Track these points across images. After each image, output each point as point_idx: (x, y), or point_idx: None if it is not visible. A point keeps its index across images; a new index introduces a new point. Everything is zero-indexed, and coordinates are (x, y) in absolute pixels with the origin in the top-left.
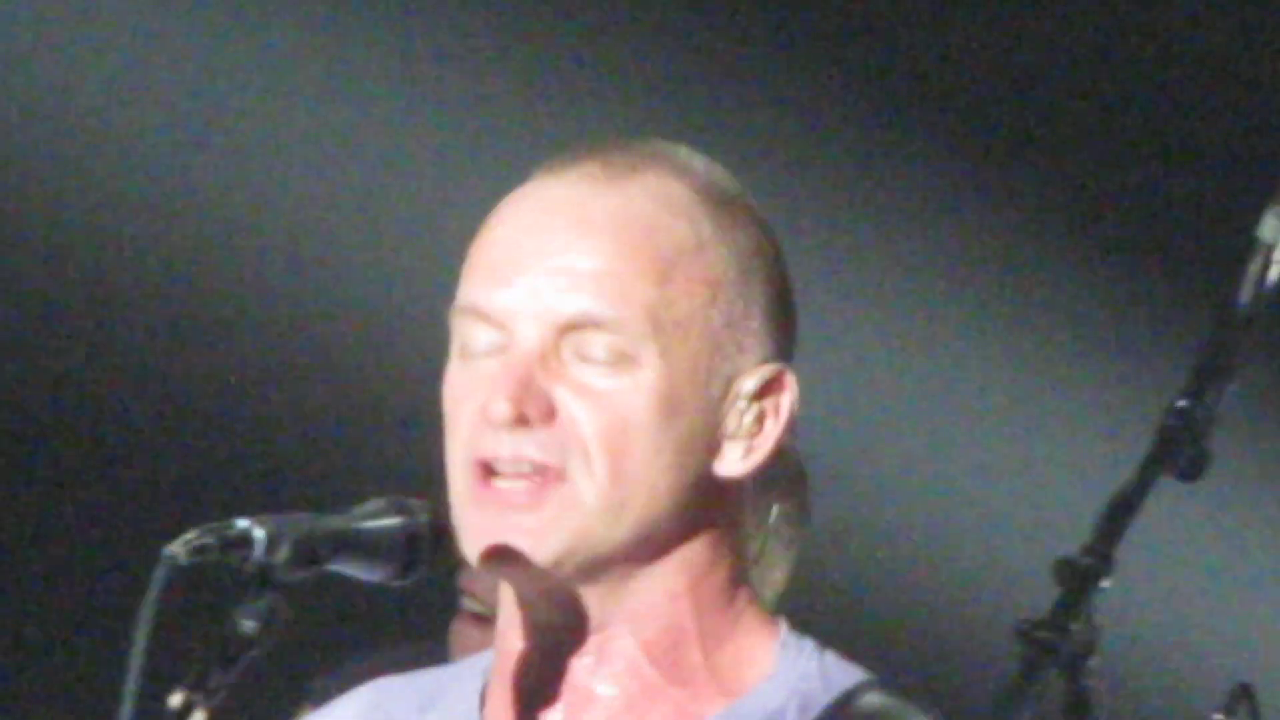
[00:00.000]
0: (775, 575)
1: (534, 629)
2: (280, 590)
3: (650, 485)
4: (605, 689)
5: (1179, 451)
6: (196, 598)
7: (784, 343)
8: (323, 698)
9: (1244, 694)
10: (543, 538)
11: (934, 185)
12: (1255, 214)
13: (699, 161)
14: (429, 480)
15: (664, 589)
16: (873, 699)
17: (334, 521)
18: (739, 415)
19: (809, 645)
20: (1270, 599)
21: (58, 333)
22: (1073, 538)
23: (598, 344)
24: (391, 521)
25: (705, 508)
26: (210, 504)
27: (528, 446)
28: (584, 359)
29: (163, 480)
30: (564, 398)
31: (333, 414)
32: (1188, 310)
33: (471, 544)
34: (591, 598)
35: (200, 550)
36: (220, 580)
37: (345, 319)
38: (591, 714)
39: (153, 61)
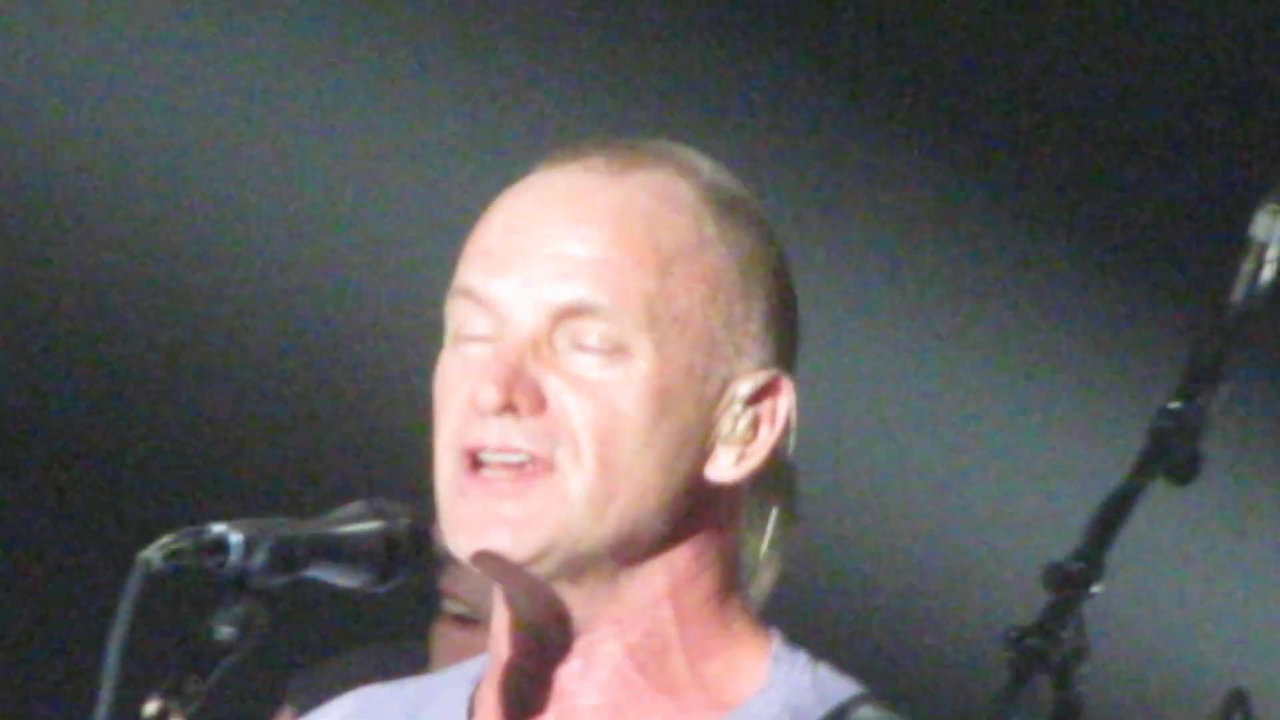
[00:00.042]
0: (762, 578)
1: (521, 632)
2: (257, 596)
3: (638, 481)
4: (592, 696)
5: (1171, 454)
6: (173, 603)
7: (784, 350)
8: (302, 696)
9: (1238, 700)
10: (525, 529)
11: (921, 187)
12: (1247, 213)
13: (705, 163)
14: (409, 484)
15: (648, 593)
16: (865, 714)
17: (312, 526)
18: (733, 420)
19: (802, 658)
20: (1265, 604)
21: (33, 333)
22: (1063, 542)
23: (592, 333)
24: (370, 526)
25: (693, 512)
26: (186, 507)
27: (516, 435)
28: (577, 348)
29: (138, 483)
30: (555, 387)
31: (312, 416)
32: (1179, 310)
33: (455, 534)
34: (576, 599)
35: (175, 555)
36: (197, 586)
37: (329, 320)
38: None
39: (150, 52)
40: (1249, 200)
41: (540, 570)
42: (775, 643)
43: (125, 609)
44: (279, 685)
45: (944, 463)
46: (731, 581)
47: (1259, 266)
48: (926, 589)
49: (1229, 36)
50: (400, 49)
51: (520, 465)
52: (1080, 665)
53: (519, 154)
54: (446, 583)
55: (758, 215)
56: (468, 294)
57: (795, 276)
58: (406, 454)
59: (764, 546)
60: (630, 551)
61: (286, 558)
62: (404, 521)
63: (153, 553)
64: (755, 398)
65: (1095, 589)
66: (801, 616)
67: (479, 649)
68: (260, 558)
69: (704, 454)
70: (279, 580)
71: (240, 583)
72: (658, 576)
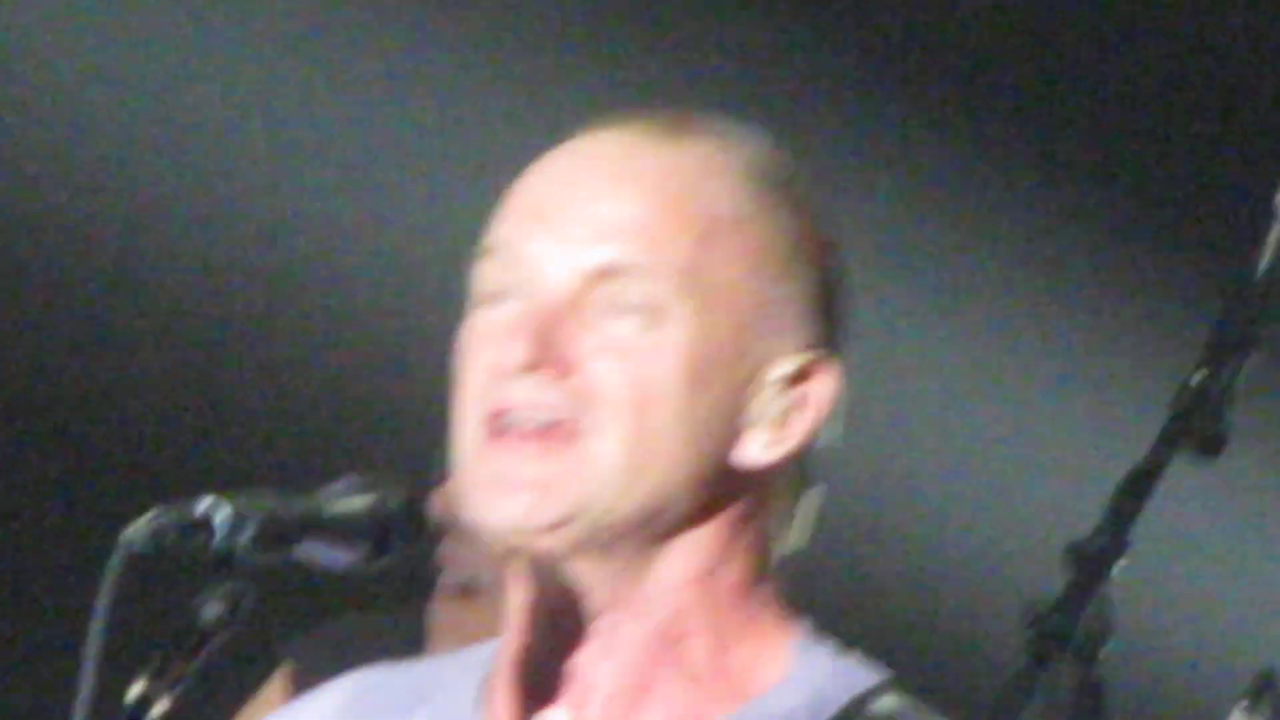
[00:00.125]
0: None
1: (538, 612)
2: (244, 575)
3: (668, 455)
4: (610, 681)
5: (1196, 429)
6: (157, 581)
7: (828, 335)
8: (296, 662)
9: (1269, 681)
10: (546, 495)
11: (939, 157)
12: (1273, 182)
13: (757, 139)
14: (402, 457)
15: (673, 576)
16: (886, 703)
17: (301, 501)
18: (768, 401)
19: (828, 647)
20: None
21: (18, 302)
22: (1084, 520)
23: (628, 295)
24: (362, 501)
25: (723, 493)
26: (171, 480)
27: (541, 397)
28: (611, 311)
29: (121, 456)
30: (587, 350)
31: (302, 386)
32: (1204, 281)
33: (472, 499)
34: (597, 579)
35: (159, 536)
36: (183, 563)
37: (320, 289)
38: (597, 705)
39: (149, 39)
40: (1274, 169)
41: (560, 542)
42: (801, 631)
43: (107, 591)
44: (272, 651)
45: (962, 438)
46: (761, 568)
47: None
48: (944, 568)
49: (1264, 3)
50: (418, 20)
51: (545, 428)
52: (1102, 646)
53: (517, 130)
54: (445, 553)
55: (809, 195)
56: (498, 252)
57: None
58: (399, 426)
59: (794, 532)
60: (655, 529)
61: (274, 535)
62: (397, 496)
63: (135, 533)
64: (793, 381)
65: (1118, 567)
66: (819, 596)
67: (479, 619)
68: (247, 535)
69: (736, 434)
70: (267, 559)
71: (226, 561)
72: (684, 559)
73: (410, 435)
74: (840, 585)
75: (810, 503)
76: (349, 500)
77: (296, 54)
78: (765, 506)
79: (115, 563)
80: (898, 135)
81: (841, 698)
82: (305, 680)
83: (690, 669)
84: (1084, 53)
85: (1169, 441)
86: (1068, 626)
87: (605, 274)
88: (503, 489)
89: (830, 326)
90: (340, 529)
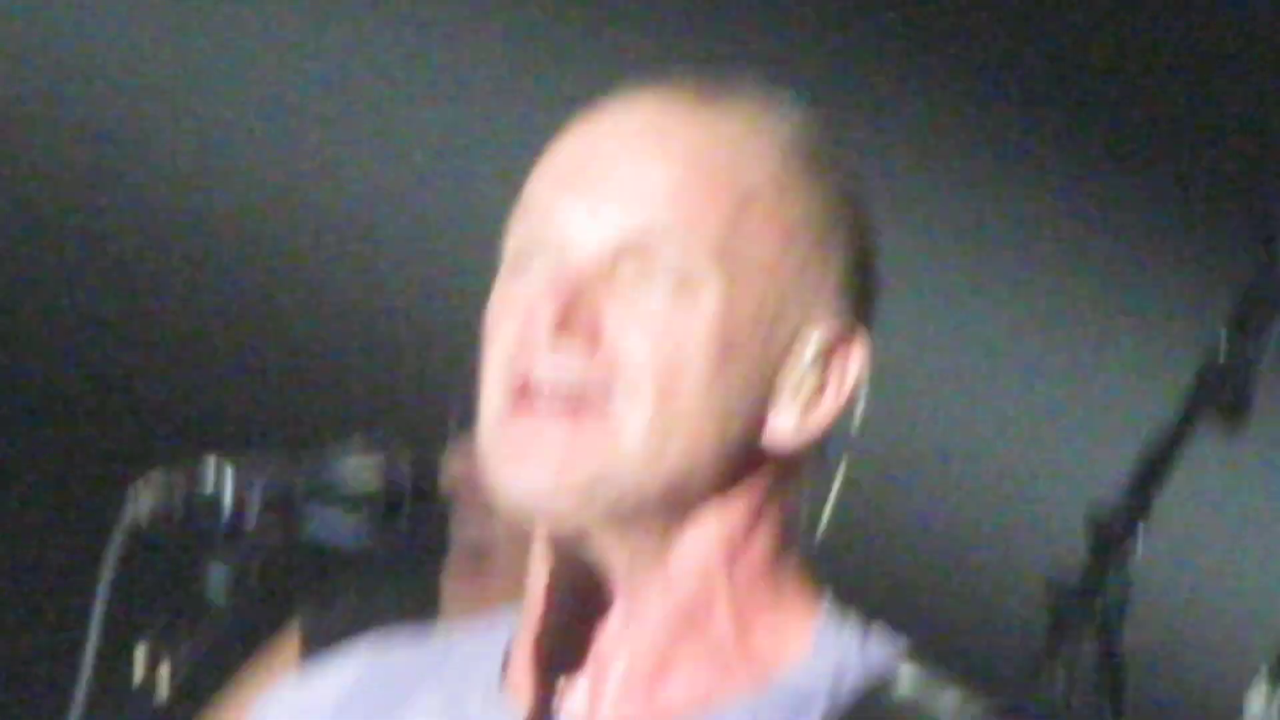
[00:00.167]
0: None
1: (559, 585)
2: (249, 550)
3: (694, 429)
4: (631, 657)
5: (1220, 395)
6: (162, 550)
7: (861, 309)
8: (307, 622)
9: None
10: (570, 466)
11: (961, 124)
12: None
13: (796, 109)
14: (410, 420)
15: (700, 552)
16: (907, 676)
17: (309, 468)
18: (799, 376)
19: (851, 621)
20: None
21: (12, 259)
22: (1106, 489)
23: (658, 265)
24: (370, 465)
25: (750, 468)
26: (175, 441)
27: (568, 366)
28: (642, 280)
29: (124, 417)
30: (616, 321)
31: (307, 346)
32: (1230, 243)
33: (495, 469)
34: (621, 554)
35: (164, 511)
36: (189, 533)
37: (326, 248)
38: (616, 679)
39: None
40: None
41: (583, 515)
42: (825, 605)
43: (110, 564)
44: (286, 609)
45: (982, 404)
46: (788, 544)
47: None
48: (964, 538)
49: None
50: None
51: (572, 398)
52: (1123, 617)
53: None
54: (459, 515)
55: (846, 167)
56: (529, 217)
57: None
58: (409, 389)
59: (826, 509)
60: (679, 504)
61: (282, 505)
62: (406, 459)
63: (140, 507)
64: (825, 355)
65: (1140, 538)
66: (838, 565)
67: (490, 584)
68: (253, 511)
69: (764, 408)
70: (273, 538)
71: (233, 535)
72: (709, 535)
73: (422, 396)
74: (858, 553)
75: (838, 478)
76: (357, 467)
77: (309, 18)
78: (792, 482)
79: (117, 541)
80: (917, 100)
81: (863, 672)
82: (315, 641)
83: (712, 645)
84: (1114, 10)
85: (1193, 409)
86: (1089, 598)
87: (636, 242)
88: (525, 461)
89: (862, 302)
90: (349, 497)
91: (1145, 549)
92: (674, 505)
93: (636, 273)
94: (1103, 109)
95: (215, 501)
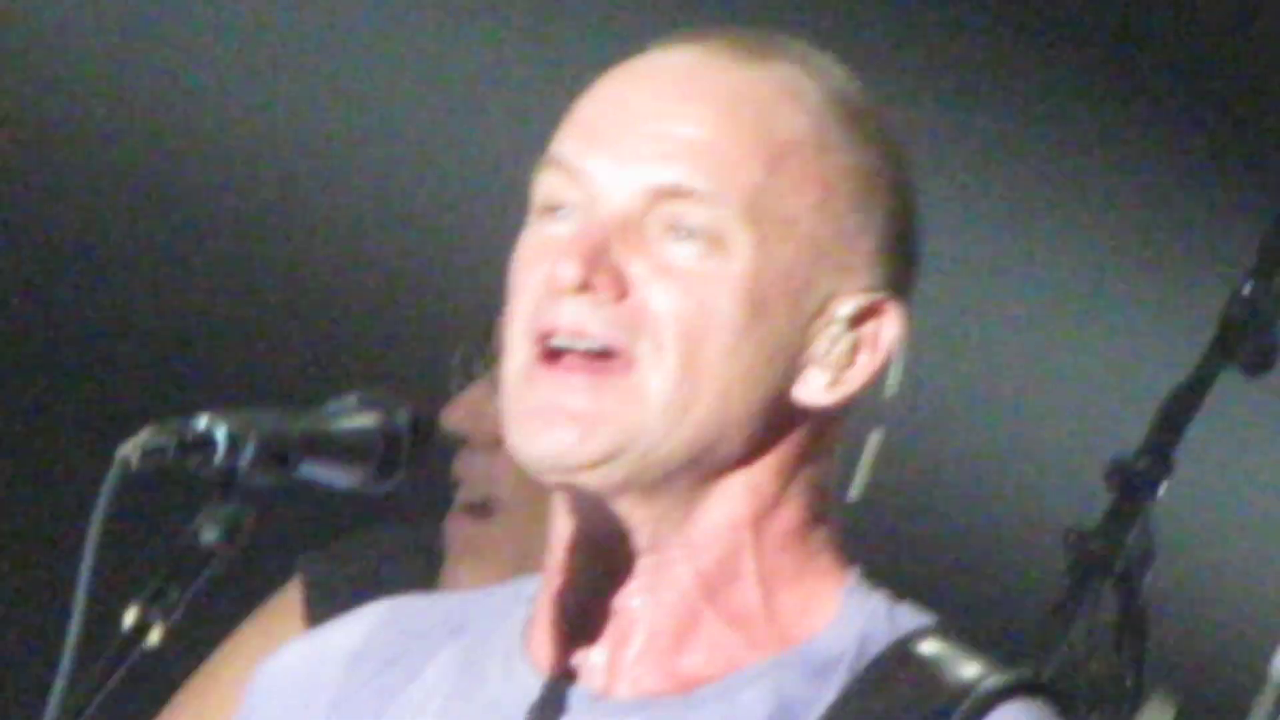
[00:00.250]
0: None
1: (582, 548)
2: (244, 495)
3: (722, 389)
4: (654, 621)
5: (1244, 342)
6: (153, 502)
7: (898, 276)
8: (312, 577)
9: None
10: (593, 427)
11: (986, 69)
12: None
13: (840, 69)
14: (408, 372)
15: (727, 517)
16: (931, 644)
17: (304, 419)
18: (831, 340)
19: (879, 594)
20: None
21: (11, 223)
22: (1127, 438)
23: (688, 219)
24: (368, 418)
25: (779, 433)
26: (168, 398)
27: (592, 319)
28: (672, 234)
29: (116, 370)
30: (641, 274)
31: (306, 298)
32: (1253, 187)
33: (516, 429)
34: (646, 517)
35: (155, 454)
36: (180, 483)
37: (324, 198)
38: (637, 644)
39: None
40: None
41: (607, 476)
42: (853, 577)
43: (101, 511)
44: (286, 564)
45: (1000, 353)
46: (819, 513)
47: None
48: (982, 490)
49: None
50: None
51: (595, 355)
52: (1146, 570)
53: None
54: (460, 468)
55: (887, 131)
56: (557, 167)
57: None
58: (406, 340)
59: (854, 478)
60: (706, 467)
61: (276, 454)
62: (404, 413)
63: (131, 451)
64: (858, 320)
65: (1162, 488)
66: (857, 520)
67: (495, 539)
68: (248, 455)
69: (795, 371)
70: (268, 479)
71: (226, 482)
72: (735, 501)
73: (425, 347)
74: (876, 506)
75: (872, 448)
76: (353, 418)
77: None
78: (823, 450)
79: (110, 481)
80: (940, 51)
81: (887, 641)
82: (318, 595)
83: (736, 613)
84: None
85: (1216, 356)
86: (1110, 550)
87: (667, 195)
88: (547, 420)
89: (900, 267)
90: (345, 448)
91: (1167, 500)
92: (700, 468)
93: (666, 227)
94: (1125, 61)
95: (208, 439)
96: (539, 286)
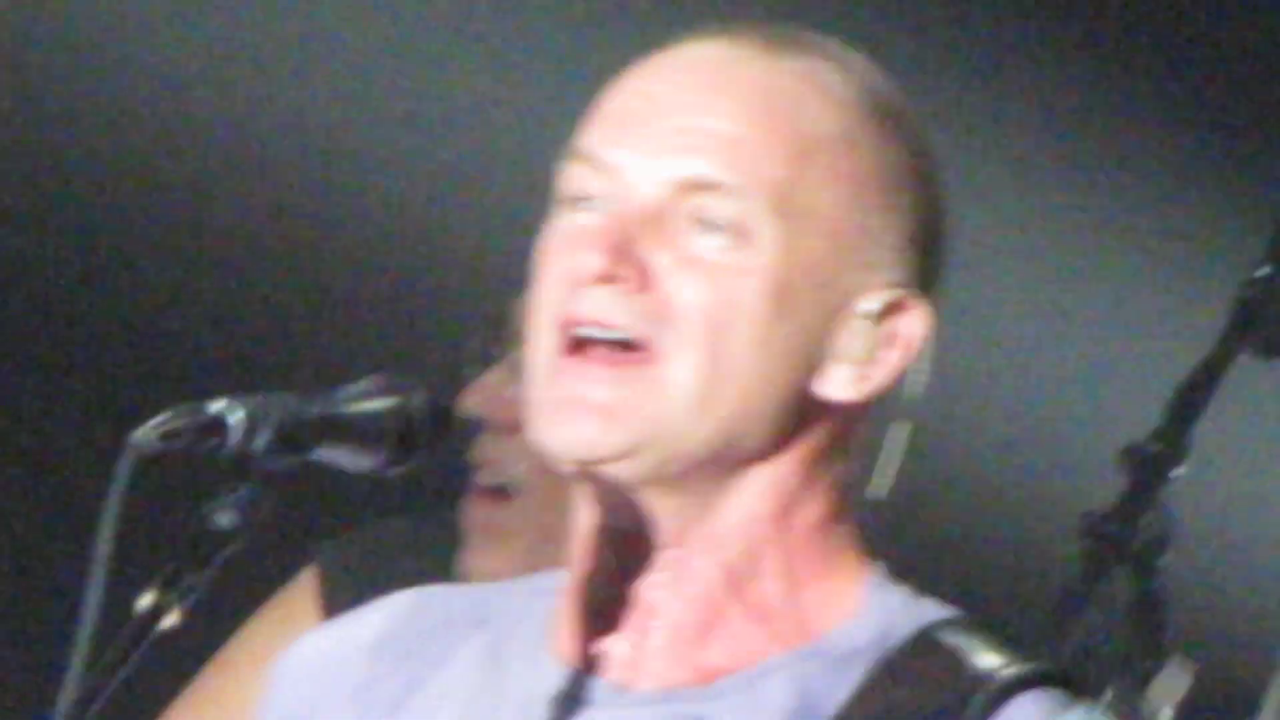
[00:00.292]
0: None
1: (605, 540)
2: (260, 480)
3: (745, 382)
4: (676, 613)
5: (1259, 325)
6: (168, 488)
7: (924, 274)
8: (328, 566)
9: None
10: (616, 419)
11: (999, 50)
12: None
13: (870, 67)
14: (424, 357)
15: (750, 511)
16: (953, 635)
17: (319, 403)
18: (855, 336)
19: (902, 589)
20: None
21: (17, 188)
22: (1142, 422)
23: (714, 211)
24: (384, 403)
25: (802, 428)
26: (183, 383)
27: (616, 310)
28: (697, 227)
29: (130, 355)
30: (666, 266)
31: (321, 284)
32: (1269, 170)
33: (539, 420)
34: (669, 509)
35: (170, 436)
36: (195, 469)
37: (340, 182)
38: (660, 637)
39: None
40: None
41: (630, 470)
42: (875, 572)
43: (116, 494)
44: (303, 554)
45: (1014, 336)
46: (839, 509)
47: None
48: (995, 473)
49: None
50: None
51: (619, 346)
52: (1161, 554)
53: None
54: (479, 452)
55: (916, 128)
56: (584, 159)
57: None
58: (421, 325)
59: (877, 475)
60: (729, 460)
61: (292, 438)
62: (420, 397)
63: (145, 434)
64: (883, 316)
65: (1177, 472)
66: (867, 505)
67: (514, 523)
68: (263, 438)
69: (818, 367)
70: (283, 463)
71: (241, 466)
72: (758, 496)
73: (440, 331)
74: (893, 493)
75: (895, 444)
76: (369, 401)
77: None
78: (846, 445)
79: (124, 465)
80: (958, 38)
81: (908, 632)
82: (332, 584)
83: (759, 607)
84: None
85: (1232, 338)
86: (1124, 535)
87: (692, 187)
88: (570, 412)
89: (926, 265)
90: (360, 431)
91: (1183, 484)
92: (723, 461)
93: (691, 219)
94: (1141, 41)
95: (223, 422)
96: (563, 276)
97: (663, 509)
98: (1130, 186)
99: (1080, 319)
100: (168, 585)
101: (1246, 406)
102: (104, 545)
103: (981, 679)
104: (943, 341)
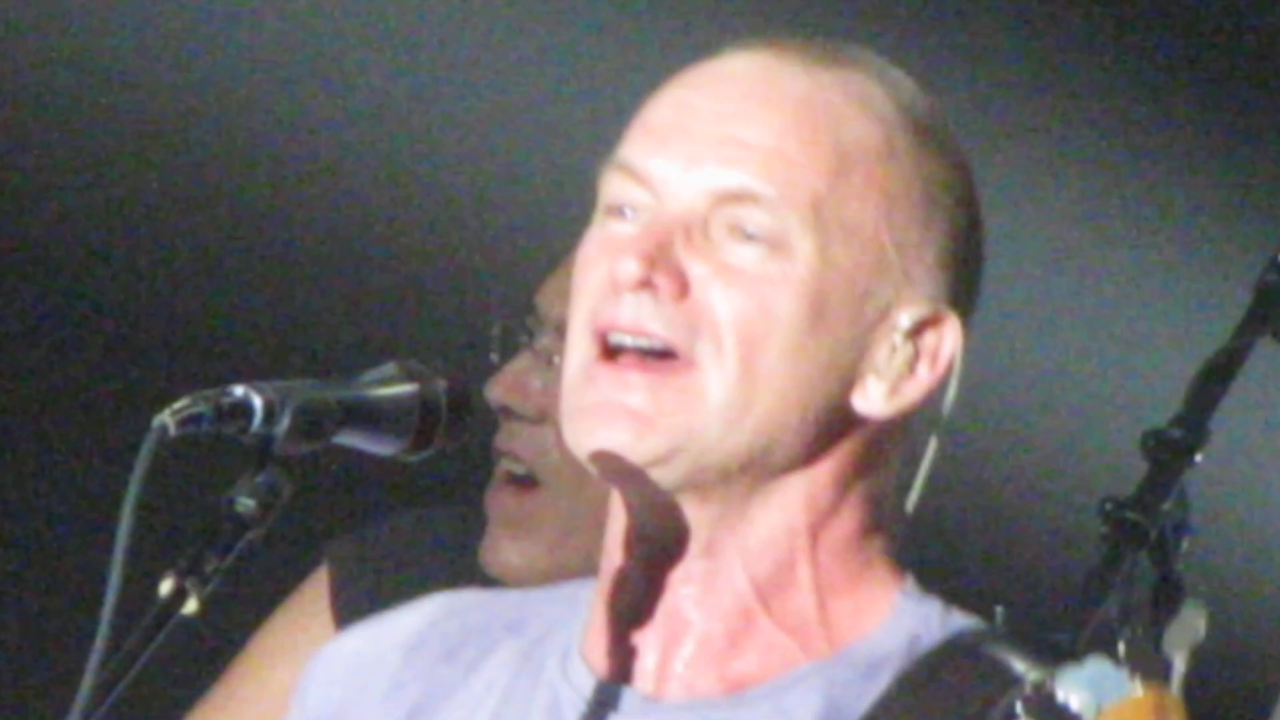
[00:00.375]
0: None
1: (638, 546)
2: (281, 464)
3: (780, 393)
4: (707, 623)
5: (1278, 314)
6: (190, 472)
7: (959, 290)
8: (342, 562)
9: None
10: (650, 425)
11: (1022, 38)
12: None
13: (910, 82)
14: (446, 344)
15: (783, 523)
16: (980, 642)
17: (340, 388)
18: (890, 350)
19: (932, 600)
20: None
21: (46, 184)
22: (1163, 408)
23: (752, 222)
24: (405, 389)
25: (836, 440)
26: (205, 369)
27: (652, 318)
28: (734, 237)
29: (152, 341)
30: (702, 276)
31: (343, 270)
32: None
33: (574, 424)
34: (702, 519)
35: (192, 421)
36: (217, 453)
37: (360, 171)
38: (690, 647)
39: None
40: None
41: (663, 477)
42: (907, 584)
43: (138, 479)
44: (316, 551)
45: (1035, 322)
46: (872, 523)
47: None
48: (1017, 459)
49: None
50: None
51: (654, 354)
52: (1181, 540)
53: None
54: (502, 440)
55: (954, 144)
56: (624, 169)
57: None
58: (448, 310)
59: (910, 490)
60: (762, 470)
61: (313, 423)
62: (441, 383)
63: (168, 418)
64: (917, 331)
65: (1197, 458)
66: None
67: (539, 513)
68: (285, 423)
69: (853, 380)
70: (305, 448)
71: (263, 450)
72: (795, 507)
73: (451, 322)
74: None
75: (928, 459)
76: (391, 388)
77: None
78: (880, 460)
79: (147, 449)
80: (982, 25)
81: (939, 634)
82: (344, 581)
83: (790, 619)
84: None
85: (1252, 324)
86: (1146, 519)
87: (731, 198)
88: (605, 416)
89: (961, 282)
90: (382, 416)
91: (1203, 469)
92: (756, 471)
93: (728, 229)
94: (1162, 30)
95: (245, 406)
96: (601, 283)
97: (695, 517)
98: (1151, 173)
99: (1101, 305)
100: (188, 570)
101: (1267, 392)
102: (125, 529)
103: (1009, 684)
104: (974, 336)
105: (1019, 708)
